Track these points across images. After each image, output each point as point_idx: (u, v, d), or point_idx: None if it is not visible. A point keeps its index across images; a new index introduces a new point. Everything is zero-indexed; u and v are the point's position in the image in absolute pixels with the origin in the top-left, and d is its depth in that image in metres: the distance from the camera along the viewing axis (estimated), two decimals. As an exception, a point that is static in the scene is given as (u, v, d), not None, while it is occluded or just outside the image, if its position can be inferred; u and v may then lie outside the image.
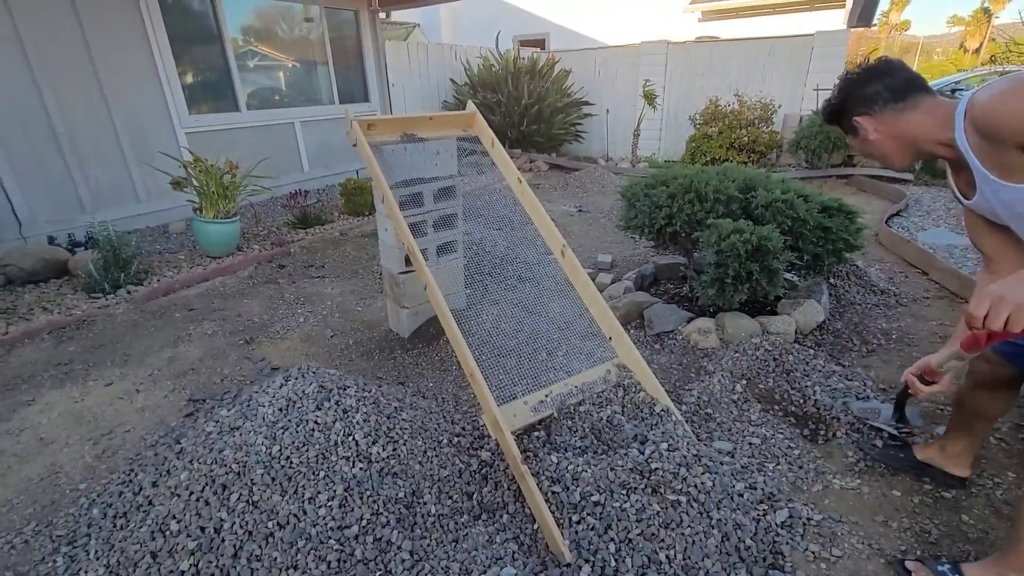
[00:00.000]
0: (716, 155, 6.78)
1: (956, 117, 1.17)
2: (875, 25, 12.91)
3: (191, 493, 1.53)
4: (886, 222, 4.32)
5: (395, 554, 1.45)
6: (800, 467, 1.83)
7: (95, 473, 1.93)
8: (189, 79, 5.18)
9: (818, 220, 2.51)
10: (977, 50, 31.77)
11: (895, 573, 1.43)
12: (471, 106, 2.61)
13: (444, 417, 2.02)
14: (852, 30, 9.10)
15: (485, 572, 1.40)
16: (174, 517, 1.49)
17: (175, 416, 2.25)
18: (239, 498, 1.49)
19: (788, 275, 2.86)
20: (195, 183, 3.92)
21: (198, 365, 2.66)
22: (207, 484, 1.54)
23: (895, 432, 1.84)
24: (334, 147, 6.55)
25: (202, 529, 1.44)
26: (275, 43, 5.93)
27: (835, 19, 9.54)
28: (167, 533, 1.46)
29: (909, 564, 1.42)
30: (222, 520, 1.45)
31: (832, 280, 3.18)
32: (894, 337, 2.64)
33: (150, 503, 1.59)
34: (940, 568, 1.37)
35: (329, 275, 3.83)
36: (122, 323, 3.11)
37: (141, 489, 1.66)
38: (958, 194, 1.36)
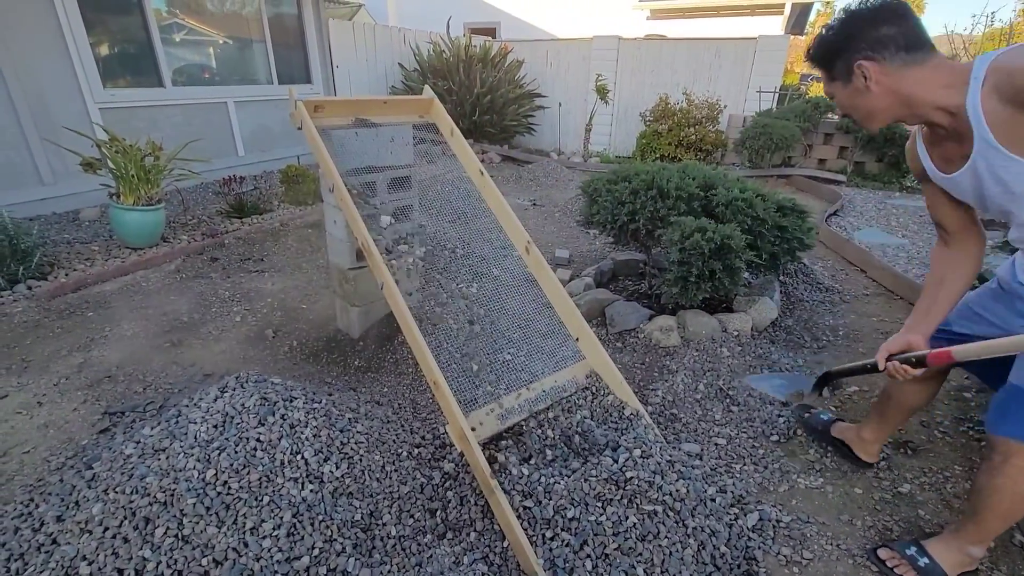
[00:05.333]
0: (665, 152, 6.91)
1: (971, 81, 1.08)
2: (807, 33, 13.66)
3: (106, 529, 1.31)
4: (825, 221, 4.53)
5: (352, 585, 1.30)
6: (765, 467, 1.83)
7: (-16, 505, 1.63)
8: (104, 49, 4.64)
9: (775, 219, 2.55)
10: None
11: (871, 565, 1.46)
12: (428, 91, 2.44)
13: (403, 426, 1.87)
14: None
15: (454, 600, 1.29)
16: (84, 558, 1.27)
17: (86, 434, 1.96)
18: (166, 533, 1.28)
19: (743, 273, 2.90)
20: (111, 165, 3.50)
21: (115, 372, 2.35)
22: (126, 517, 1.32)
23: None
24: (272, 130, 6.11)
25: (120, 572, 1.23)
26: (205, 16, 5.43)
27: (774, 25, 9.99)
28: (75, 578, 1.24)
29: (881, 553, 1.46)
30: (145, 560, 1.24)
31: (782, 278, 3.27)
32: (841, 333, 2.74)
33: (54, 542, 1.35)
34: (908, 551, 1.42)
35: (269, 269, 3.53)
36: (21, 324, 2.71)
37: (43, 524, 1.41)
38: (931, 167, 1.30)
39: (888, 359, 1.37)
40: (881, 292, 3.27)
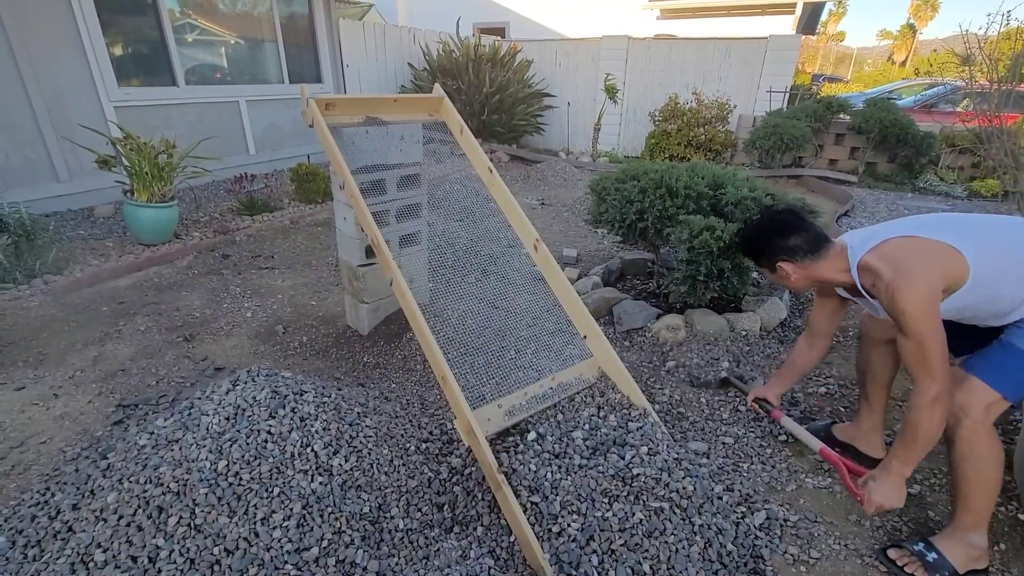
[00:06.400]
0: (675, 152, 6.88)
1: (852, 271, 1.45)
2: (818, 33, 13.55)
3: (120, 517, 1.33)
4: (836, 221, 4.49)
5: (360, 576, 1.32)
6: (773, 466, 1.82)
7: (2, 494, 1.67)
8: (119, 49, 4.70)
9: (785, 219, 2.53)
10: (904, 63, 34.15)
11: (879, 565, 1.45)
12: (438, 89, 2.46)
13: (410, 421, 1.88)
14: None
15: (461, 593, 1.30)
16: (99, 545, 1.29)
17: (101, 425, 2.00)
18: (179, 522, 1.31)
19: (752, 272, 2.89)
20: (125, 162, 3.55)
21: (129, 366, 2.39)
22: (140, 506, 1.34)
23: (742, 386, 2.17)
24: (283, 129, 6.17)
25: (134, 559, 1.26)
26: (218, 16, 5.49)
27: (785, 24, 9.90)
28: (91, 565, 1.26)
29: (891, 552, 1.47)
30: (158, 548, 1.27)
31: (791, 278, 3.25)
32: (851, 334, 2.72)
33: (70, 529, 1.38)
34: (916, 548, 1.43)
35: (279, 266, 3.57)
36: (38, 317, 2.77)
37: (59, 512, 1.44)
38: (841, 292, 1.64)
39: (755, 400, 1.95)
40: (892, 293, 3.24)
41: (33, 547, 1.38)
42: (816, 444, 1.72)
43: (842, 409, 2.13)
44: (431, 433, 1.85)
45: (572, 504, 1.45)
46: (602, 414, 1.79)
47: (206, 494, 1.34)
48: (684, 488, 1.52)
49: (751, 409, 2.01)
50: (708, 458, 1.83)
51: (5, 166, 4.02)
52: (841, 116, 6.64)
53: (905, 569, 1.41)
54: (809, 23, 11.83)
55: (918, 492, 1.69)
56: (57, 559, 1.30)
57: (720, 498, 1.58)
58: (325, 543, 1.33)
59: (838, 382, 2.30)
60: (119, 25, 4.68)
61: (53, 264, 3.14)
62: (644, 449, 1.60)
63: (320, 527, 1.36)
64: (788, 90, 7.18)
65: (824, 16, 13.71)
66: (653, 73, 7.94)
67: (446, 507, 1.58)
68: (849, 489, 1.55)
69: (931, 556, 1.40)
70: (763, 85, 7.24)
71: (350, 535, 1.38)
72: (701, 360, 2.35)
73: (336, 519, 1.39)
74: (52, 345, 2.52)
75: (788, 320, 2.79)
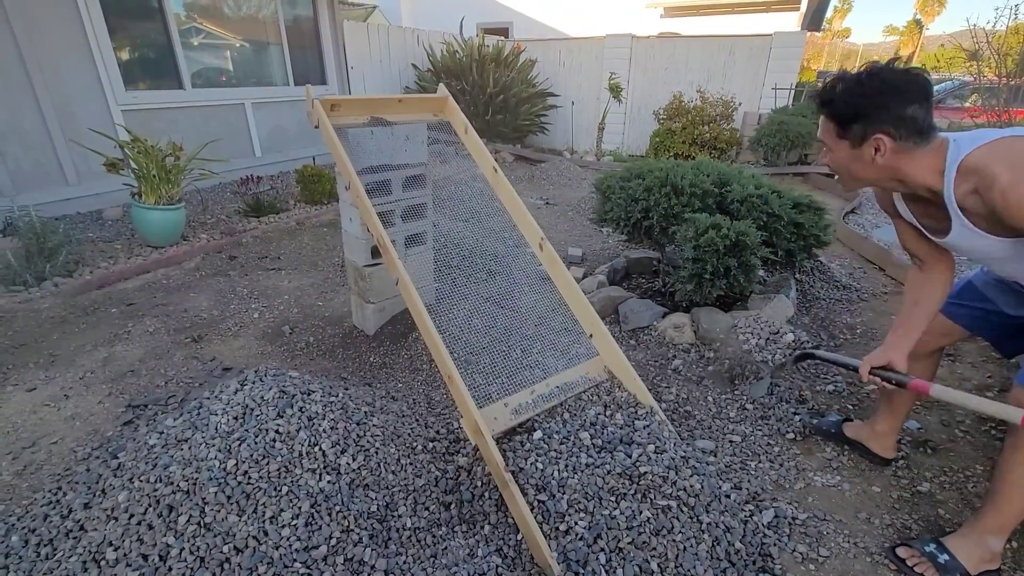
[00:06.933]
0: (679, 151, 6.86)
1: (948, 171, 1.17)
2: (823, 30, 13.45)
3: (131, 516, 1.35)
4: (843, 219, 4.46)
5: (368, 575, 1.32)
6: (781, 464, 1.81)
7: (15, 493, 1.69)
8: (126, 53, 4.74)
9: (791, 216, 2.53)
10: (910, 59, 33.91)
11: (889, 563, 1.44)
12: (443, 89, 2.46)
13: (417, 420, 1.89)
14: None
15: (468, 591, 1.30)
16: (111, 544, 1.31)
17: (111, 425, 2.02)
18: (189, 520, 1.32)
19: (758, 271, 2.88)
20: (133, 165, 3.58)
21: (138, 366, 2.41)
22: (150, 505, 1.36)
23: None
24: (288, 131, 6.20)
25: (145, 557, 1.27)
26: (223, 20, 5.52)
27: (790, 21, 9.85)
28: (102, 563, 1.28)
29: (900, 551, 1.45)
30: (168, 546, 1.28)
31: (798, 275, 3.23)
32: (859, 332, 2.70)
33: (82, 528, 1.39)
34: (928, 548, 1.41)
35: (286, 267, 3.59)
36: (48, 319, 2.79)
37: (71, 512, 1.45)
38: (908, 214, 1.39)
39: (871, 372, 1.44)
40: (900, 291, 3.22)
41: (46, 546, 1.39)
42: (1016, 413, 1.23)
43: (851, 407, 2.12)
44: (438, 432, 1.86)
45: (579, 502, 1.45)
46: (608, 412, 1.79)
47: (215, 493, 1.35)
48: (691, 486, 1.51)
49: (872, 382, 1.44)
50: (715, 456, 1.82)
51: (16, 170, 4.06)
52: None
53: (915, 569, 1.40)
54: (814, 19, 11.76)
55: (928, 490, 1.68)
56: (69, 557, 1.32)
57: (728, 496, 1.58)
58: (333, 541, 1.34)
59: (846, 380, 2.28)
60: (126, 30, 4.72)
61: (63, 266, 3.17)
62: (651, 447, 1.60)
63: (328, 526, 1.36)
64: (793, 87, 7.14)
65: (829, 12, 13.62)
66: (657, 71, 7.92)
67: (453, 506, 1.59)
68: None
69: (943, 558, 1.38)
70: (768, 82, 7.20)
71: (358, 533, 1.38)
72: (760, 339, 2.29)
73: (344, 518, 1.39)
74: (62, 346, 2.55)
75: (795, 318, 2.78)
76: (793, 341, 2.27)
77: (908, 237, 1.46)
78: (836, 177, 1.30)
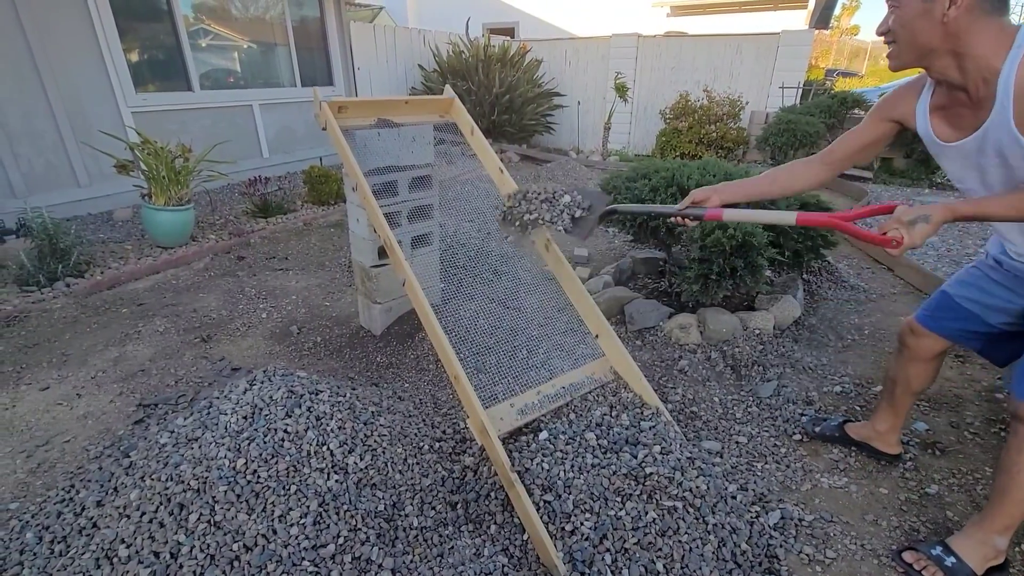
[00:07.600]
0: (686, 150, 6.84)
1: (1013, 48, 1.05)
2: (831, 28, 13.35)
3: (143, 514, 1.37)
4: (851, 219, 4.43)
5: (375, 573, 1.33)
6: (787, 466, 1.81)
7: (29, 491, 1.72)
8: (135, 55, 4.79)
9: (798, 216, 2.51)
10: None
11: (896, 566, 1.44)
12: (449, 90, 2.47)
13: (424, 420, 1.90)
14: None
15: (475, 590, 1.31)
16: (123, 541, 1.33)
17: (123, 424, 2.04)
18: (199, 518, 1.33)
19: (766, 271, 2.87)
20: (143, 167, 3.62)
21: (149, 366, 2.44)
22: (161, 503, 1.38)
23: None
24: (296, 132, 6.24)
25: (156, 555, 1.29)
26: (231, 22, 5.57)
27: (797, 19, 9.78)
28: (115, 560, 1.30)
29: (907, 556, 1.44)
30: (179, 544, 1.29)
31: (805, 276, 3.22)
32: (867, 332, 2.69)
33: (94, 525, 1.41)
34: (934, 552, 1.40)
35: (293, 267, 3.62)
36: (60, 319, 2.83)
37: (84, 509, 1.48)
38: (926, 128, 1.29)
39: (685, 209, 1.51)
40: (909, 291, 3.19)
41: (59, 543, 1.42)
42: (791, 216, 1.34)
43: (858, 408, 2.11)
44: (444, 432, 1.87)
45: (585, 503, 1.46)
46: (614, 413, 1.80)
47: (225, 491, 1.37)
48: (697, 487, 1.51)
49: (676, 224, 1.49)
50: (721, 457, 1.82)
51: (29, 171, 4.12)
52: (855, 111, 6.55)
53: (923, 573, 1.39)
54: (822, 17, 11.67)
55: (936, 492, 1.67)
56: (82, 554, 1.34)
57: (734, 497, 1.57)
58: (341, 540, 1.35)
59: (853, 381, 2.27)
60: (136, 32, 4.77)
61: (75, 267, 3.22)
62: (657, 448, 1.60)
63: (336, 524, 1.38)
64: (801, 86, 7.09)
65: (837, 10, 13.52)
66: (663, 71, 7.89)
67: (459, 505, 1.60)
68: (868, 238, 1.21)
69: (949, 560, 1.37)
70: (775, 81, 7.16)
71: (365, 532, 1.40)
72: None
73: (352, 517, 1.41)
74: (74, 346, 2.59)
75: (802, 318, 2.77)
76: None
77: (851, 142, 1.45)
78: (888, 48, 1.19)
